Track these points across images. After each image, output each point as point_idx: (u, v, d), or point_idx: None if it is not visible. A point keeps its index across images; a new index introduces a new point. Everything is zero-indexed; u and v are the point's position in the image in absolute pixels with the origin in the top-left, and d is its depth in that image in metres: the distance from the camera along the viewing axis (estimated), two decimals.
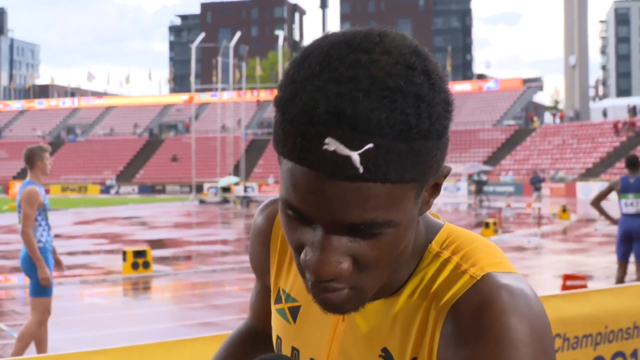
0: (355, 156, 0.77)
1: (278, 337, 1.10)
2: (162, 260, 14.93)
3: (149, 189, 62.93)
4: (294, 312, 1.07)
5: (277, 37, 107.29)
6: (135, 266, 12.47)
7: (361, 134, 0.76)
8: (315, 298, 0.88)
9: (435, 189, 0.89)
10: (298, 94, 0.80)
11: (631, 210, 8.44)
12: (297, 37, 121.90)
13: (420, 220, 0.95)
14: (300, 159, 0.79)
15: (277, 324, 1.10)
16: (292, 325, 1.07)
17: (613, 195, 8.94)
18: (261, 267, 1.16)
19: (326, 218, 0.81)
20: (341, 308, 0.87)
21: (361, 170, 0.77)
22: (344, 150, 0.77)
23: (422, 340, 0.90)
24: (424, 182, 0.84)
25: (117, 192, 62.80)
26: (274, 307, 1.11)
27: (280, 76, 0.81)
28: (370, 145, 0.76)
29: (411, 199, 0.83)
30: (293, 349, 1.06)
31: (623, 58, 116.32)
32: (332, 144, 0.77)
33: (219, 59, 58.59)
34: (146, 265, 12.59)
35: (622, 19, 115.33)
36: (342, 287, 0.85)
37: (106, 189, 63.63)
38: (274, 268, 1.12)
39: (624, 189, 8.47)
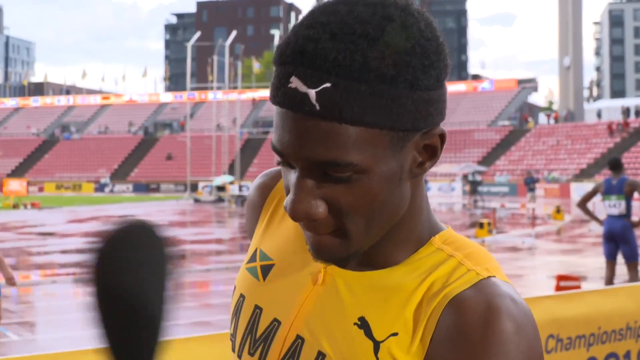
0: (312, 93, 0.81)
1: (241, 295, 1.05)
2: None
3: (144, 188, 62.81)
4: (266, 270, 1.04)
5: (273, 36, 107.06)
6: None
7: (319, 72, 0.81)
8: (308, 244, 0.91)
9: (431, 153, 0.90)
10: (283, 41, 0.87)
11: (614, 211, 8.63)
12: None
13: (425, 210, 0.96)
14: (274, 97, 0.86)
15: (244, 283, 1.06)
16: (260, 283, 1.03)
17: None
18: (251, 231, 1.15)
19: (295, 155, 0.84)
20: (329, 252, 0.89)
21: (317, 107, 0.81)
22: (302, 87, 0.82)
23: (415, 322, 0.89)
24: (397, 132, 0.85)
25: (111, 191, 62.67)
26: (244, 267, 1.08)
27: None
28: (327, 84, 0.81)
29: (383, 148, 0.85)
30: (256, 307, 1.02)
31: (617, 59, 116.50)
32: (294, 82, 0.82)
33: (215, 57, 58.47)
34: None
35: (616, 20, 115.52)
36: (324, 230, 0.88)
37: (100, 187, 63.47)
38: (259, 232, 1.10)
39: (607, 190, 8.67)
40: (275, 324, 0.99)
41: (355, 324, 0.91)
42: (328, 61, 0.81)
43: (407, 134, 0.86)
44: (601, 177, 47.25)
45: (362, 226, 0.88)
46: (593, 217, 8.94)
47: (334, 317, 0.93)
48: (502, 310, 0.84)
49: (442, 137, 0.90)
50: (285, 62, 0.84)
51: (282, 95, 0.84)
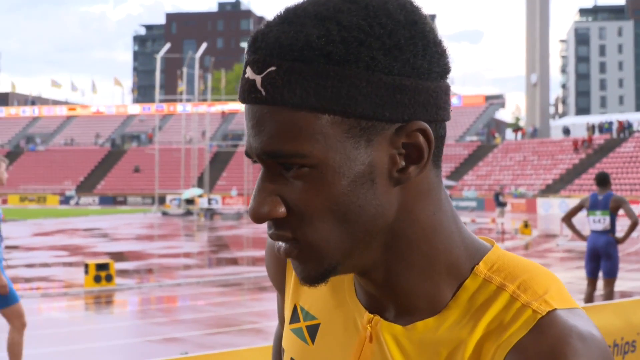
0: (258, 79, 0.76)
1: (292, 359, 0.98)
2: (125, 273, 14.69)
3: (110, 200, 62.12)
4: (313, 331, 0.95)
5: (242, 49, 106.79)
6: (97, 279, 12.23)
7: (264, 56, 0.76)
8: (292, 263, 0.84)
9: (416, 156, 0.78)
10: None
11: (598, 227, 8.43)
12: None
13: (456, 232, 0.84)
14: (238, 94, 0.81)
15: (292, 345, 0.98)
16: (310, 347, 0.95)
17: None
18: (279, 282, 1.06)
19: (252, 148, 0.79)
20: (306, 269, 0.81)
21: (263, 92, 0.76)
22: (252, 75, 0.77)
23: None
24: (355, 119, 0.75)
25: (77, 203, 61.86)
26: (288, 327, 1.00)
27: None
28: (272, 68, 0.75)
29: (338, 138, 0.76)
30: None
31: (582, 77, 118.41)
32: (247, 71, 0.78)
33: (184, 69, 58.16)
34: (109, 278, 12.36)
35: (581, 38, 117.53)
36: (284, 234, 0.79)
37: (66, 200, 62.64)
38: (291, 285, 1.02)
39: (592, 206, 8.46)
40: None
41: None
42: (270, 43, 0.76)
43: (371, 124, 0.76)
44: (567, 193, 47.90)
45: (325, 233, 0.79)
46: (577, 232, 8.62)
47: None
48: (570, 357, 0.73)
49: (424, 133, 0.78)
50: (245, 54, 0.80)
51: (240, 88, 0.80)
